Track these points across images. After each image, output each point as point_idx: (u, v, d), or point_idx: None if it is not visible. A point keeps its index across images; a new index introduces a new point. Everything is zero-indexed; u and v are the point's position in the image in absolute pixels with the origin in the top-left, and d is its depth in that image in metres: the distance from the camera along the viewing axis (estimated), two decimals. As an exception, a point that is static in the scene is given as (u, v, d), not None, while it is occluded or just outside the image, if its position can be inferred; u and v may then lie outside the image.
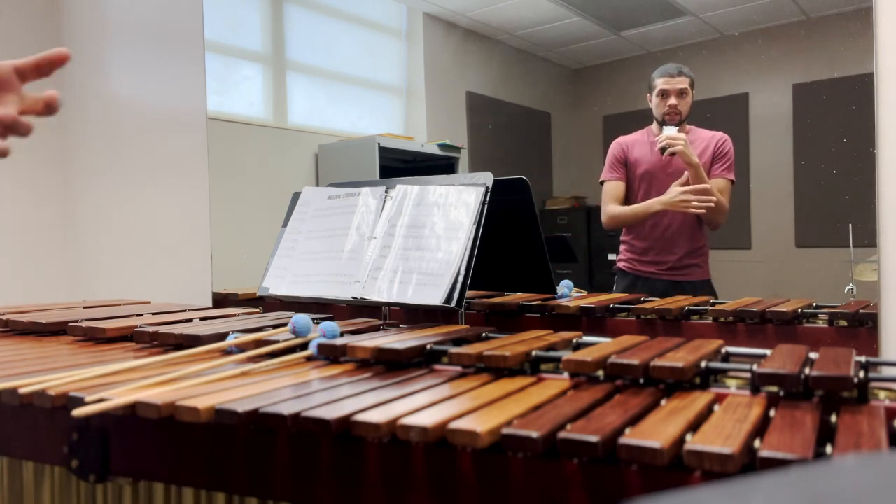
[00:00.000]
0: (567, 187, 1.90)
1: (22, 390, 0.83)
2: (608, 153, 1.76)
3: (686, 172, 1.61)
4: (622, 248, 1.75)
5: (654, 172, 1.70)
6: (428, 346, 0.97)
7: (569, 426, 0.64)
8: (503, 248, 1.39)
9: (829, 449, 0.59)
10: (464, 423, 0.65)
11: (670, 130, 1.65)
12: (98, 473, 0.85)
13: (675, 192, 1.63)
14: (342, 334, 1.05)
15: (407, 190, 1.33)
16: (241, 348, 1.03)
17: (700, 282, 1.66)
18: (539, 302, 1.47)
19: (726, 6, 1.62)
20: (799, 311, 1.27)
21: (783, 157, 1.55)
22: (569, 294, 1.54)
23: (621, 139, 1.76)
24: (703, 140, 1.64)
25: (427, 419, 0.66)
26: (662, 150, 1.62)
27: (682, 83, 1.67)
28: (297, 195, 1.49)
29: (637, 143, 1.73)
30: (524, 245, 1.38)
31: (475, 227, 1.21)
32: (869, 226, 1.32)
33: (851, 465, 0.30)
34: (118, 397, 0.77)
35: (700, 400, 0.72)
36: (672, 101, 1.67)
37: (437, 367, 0.95)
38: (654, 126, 1.71)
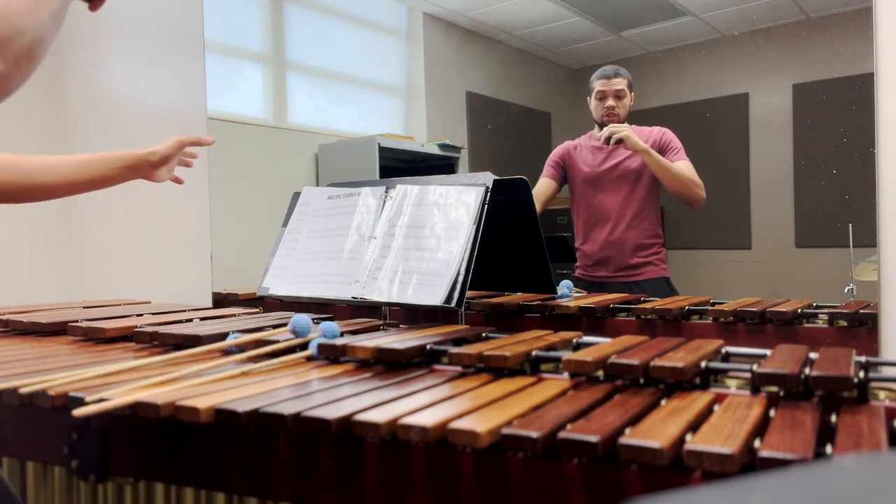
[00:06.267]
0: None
1: (22, 390, 0.83)
2: (553, 151, 1.80)
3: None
4: (577, 254, 1.76)
5: (596, 177, 1.72)
6: (428, 346, 0.97)
7: (569, 426, 0.64)
8: (503, 248, 1.39)
9: (829, 449, 0.59)
10: (464, 423, 0.65)
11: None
12: (98, 473, 0.85)
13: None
14: (342, 334, 1.05)
15: (407, 190, 1.33)
16: (241, 348, 1.03)
17: (656, 280, 1.67)
18: (539, 302, 1.47)
19: (726, 6, 1.62)
20: (799, 311, 1.27)
21: (783, 157, 1.55)
22: (569, 294, 1.54)
23: (569, 143, 1.78)
24: (648, 137, 1.65)
25: (427, 419, 0.66)
26: (608, 140, 1.62)
27: (620, 84, 1.70)
28: (297, 195, 1.49)
29: (581, 148, 1.75)
30: (524, 245, 1.38)
31: (475, 227, 1.21)
32: (869, 226, 1.32)
33: (851, 465, 0.30)
34: (118, 397, 0.77)
35: (700, 400, 0.72)
36: (610, 102, 1.70)
37: (437, 367, 0.95)
38: (596, 129, 1.74)
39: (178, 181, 1.54)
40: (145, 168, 1.41)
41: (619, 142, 1.61)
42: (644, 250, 1.68)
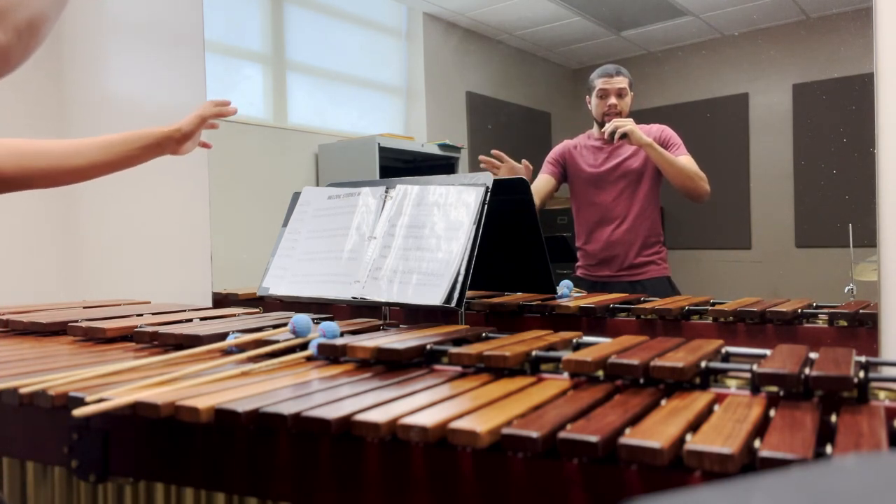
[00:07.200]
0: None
1: (22, 390, 0.83)
2: (553, 150, 1.80)
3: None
4: (578, 254, 1.76)
5: (598, 177, 1.72)
6: (428, 346, 0.97)
7: (569, 426, 0.64)
8: (503, 248, 1.39)
9: (829, 449, 0.59)
10: (464, 423, 0.65)
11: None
12: (98, 473, 0.85)
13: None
14: (342, 334, 1.05)
15: (407, 190, 1.33)
16: (241, 348, 1.03)
17: (658, 279, 1.67)
18: (539, 302, 1.47)
19: (726, 6, 1.62)
20: (799, 311, 1.27)
21: (783, 157, 1.55)
22: (569, 294, 1.53)
23: (568, 142, 1.78)
24: (648, 134, 1.65)
25: (427, 419, 0.66)
26: (612, 134, 1.62)
27: (621, 83, 1.70)
28: (297, 195, 1.49)
29: (582, 148, 1.75)
30: (524, 245, 1.38)
31: (475, 227, 1.21)
32: (869, 226, 1.32)
33: (851, 465, 0.30)
34: (118, 397, 0.77)
35: (700, 400, 0.72)
36: (612, 100, 1.70)
37: (437, 367, 0.95)
38: (595, 128, 1.73)
39: (206, 146, 1.57)
40: (170, 145, 1.44)
41: (624, 136, 1.61)
42: (647, 249, 1.68)
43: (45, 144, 1.32)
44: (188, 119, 1.45)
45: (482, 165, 1.77)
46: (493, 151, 1.73)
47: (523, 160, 1.77)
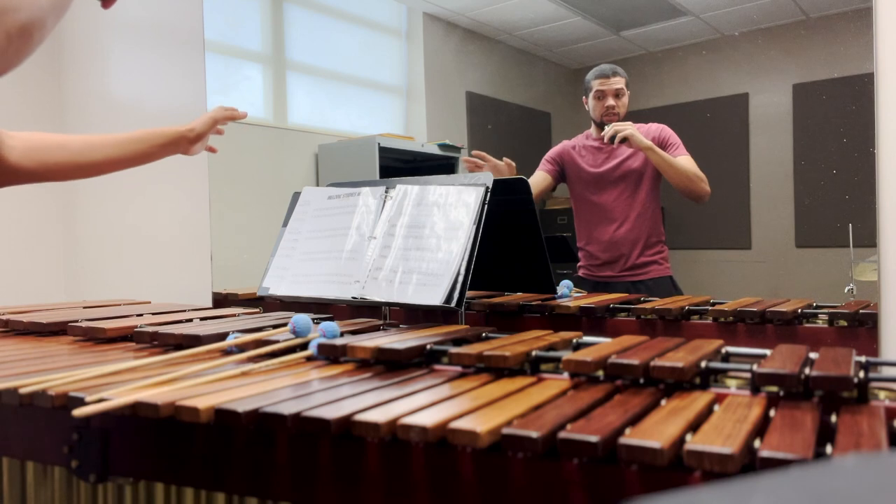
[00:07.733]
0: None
1: (22, 390, 0.83)
2: (551, 149, 1.80)
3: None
4: (580, 255, 1.76)
5: (598, 177, 1.72)
6: (428, 346, 0.97)
7: (569, 426, 0.64)
8: (503, 248, 1.39)
9: (829, 449, 0.59)
10: (464, 423, 0.65)
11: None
12: (98, 473, 0.85)
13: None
14: (342, 334, 1.05)
15: (407, 190, 1.33)
16: (241, 348, 1.03)
17: (661, 279, 1.67)
18: (539, 302, 1.47)
19: (726, 6, 1.62)
20: (799, 311, 1.27)
21: (783, 157, 1.55)
22: (569, 294, 1.54)
23: (566, 143, 1.78)
24: (647, 134, 1.65)
25: (427, 419, 0.66)
26: (612, 139, 1.62)
27: (618, 83, 1.70)
28: (297, 195, 1.49)
29: (580, 149, 1.75)
30: (524, 245, 1.38)
31: (475, 227, 1.21)
32: (869, 226, 1.32)
33: (851, 465, 0.30)
34: (118, 397, 0.77)
35: (700, 400, 0.72)
36: (609, 101, 1.70)
37: (437, 367, 0.95)
38: (593, 129, 1.73)
39: (212, 150, 1.61)
40: (184, 144, 1.48)
41: (624, 140, 1.61)
42: (649, 249, 1.68)
43: (62, 139, 1.35)
44: (201, 120, 1.49)
45: (465, 167, 1.77)
46: (475, 151, 1.73)
47: (504, 158, 1.77)
